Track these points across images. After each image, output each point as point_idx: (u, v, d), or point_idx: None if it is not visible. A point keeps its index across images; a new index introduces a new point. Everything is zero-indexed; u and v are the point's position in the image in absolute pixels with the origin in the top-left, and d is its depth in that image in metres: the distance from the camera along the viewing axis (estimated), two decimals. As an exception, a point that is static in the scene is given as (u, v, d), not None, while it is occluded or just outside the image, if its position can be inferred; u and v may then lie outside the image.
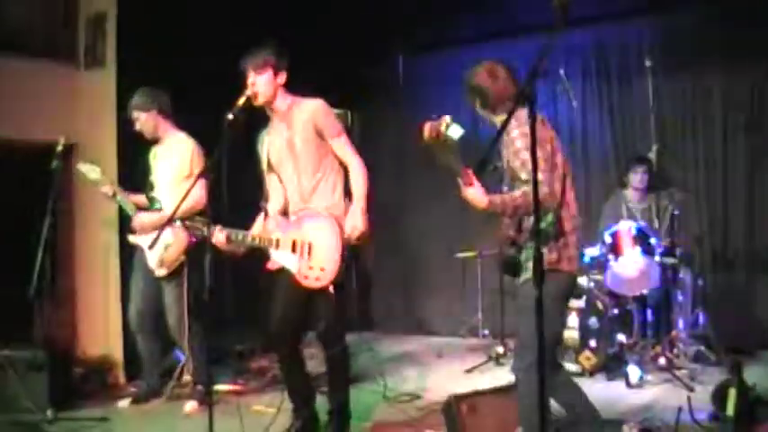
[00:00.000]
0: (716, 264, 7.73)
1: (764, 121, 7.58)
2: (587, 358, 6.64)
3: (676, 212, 7.04)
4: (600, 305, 6.83)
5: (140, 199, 6.18)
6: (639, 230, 6.70)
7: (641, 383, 6.20)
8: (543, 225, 4.10)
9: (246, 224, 5.02)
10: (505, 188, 4.27)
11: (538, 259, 3.12)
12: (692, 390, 5.78)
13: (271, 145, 5.00)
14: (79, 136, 6.66)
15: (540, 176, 3.93)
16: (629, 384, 6.20)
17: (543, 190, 3.93)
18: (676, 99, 8.02)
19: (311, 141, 4.86)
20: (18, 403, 5.75)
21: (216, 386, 6.16)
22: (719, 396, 4.82)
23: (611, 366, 6.61)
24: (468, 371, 7.12)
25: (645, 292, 6.79)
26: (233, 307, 7.58)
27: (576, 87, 8.45)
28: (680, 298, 7.11)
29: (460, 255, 8.37)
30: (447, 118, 3.75)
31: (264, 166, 5.06)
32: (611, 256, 6.68)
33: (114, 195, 6.11)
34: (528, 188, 3.93)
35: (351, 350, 5.22)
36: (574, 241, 4.21)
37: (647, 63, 7.09)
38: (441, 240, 9.25)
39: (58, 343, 6.27)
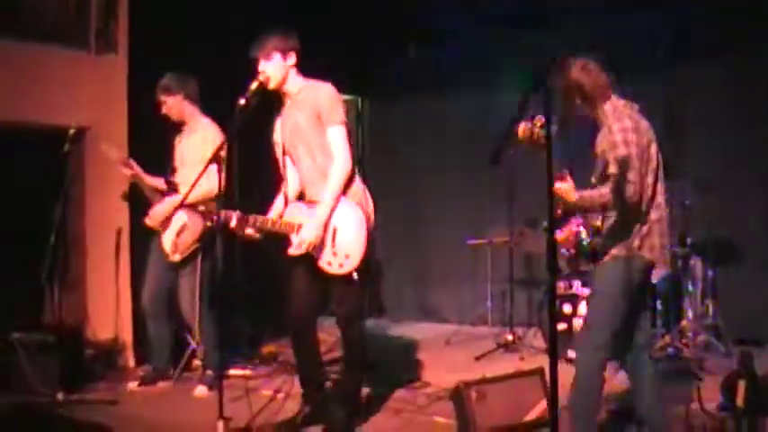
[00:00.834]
0: (727, 254, 7.69)
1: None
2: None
3: (687, 202, 7.03)
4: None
5: (159, 183, 6.20)
6: (650, 220, 6.67)
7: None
8: (630, 216, 4.15)
9: (260, 208, 5.01)
10: (593, 180, 4.29)
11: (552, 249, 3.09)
12: (701, 380, 5.77)
13: (283, 127, 5.00)
14: (91, 120, 6.66)
15: (631, 176, 3.98)
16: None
17: (630, 189, 3.98)
18: (688, 89, 7.97)
19: (315, 125, 4.84)
20: (29, 385, 5.78)
21: (226, 371, 6.18)
22: (729, 387, 4.81)
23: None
24: (478, 358, 7.13)
25: (655, 281, 6.77)
26: (244, 292, 7.59)
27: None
28: (690, 288, 7.10)
29: (471, 242, 8.37)
30: (541, 117, 3.81)
31: (279, 150, 5.06)
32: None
33: (134, 176, 6.14)
34: (611, 186, 4.04)
35: (367, 338, 5.24)
36: (658, 230, 4.24)
37: (659, 53, 7.05)
38: (452, 228, 9.24)
39: (69, 326, 6.28)
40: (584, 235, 6.80)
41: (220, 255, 4.60)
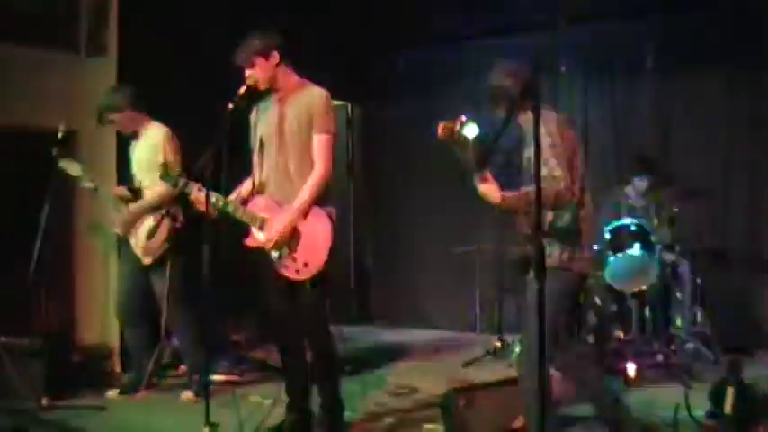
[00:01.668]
0: (715, 262, 7.71)
1: (766, 121, 7.55)
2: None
3: (676, 209, 7.04)
4: (598, 301, 6.82)
5: (125, 192, 6.17)
6: (639, 227, 6.69)
7: (639, 380, 6.19)
8: (560, 224, 4.17)
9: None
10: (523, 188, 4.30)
11: (539, 253, 3.09)
12: (689, 387, 5.77)
13: (265, 120, 4.96)
14: (80, 123, 6.64)
15: (558, 172, 3.99)
16: (626, 381, 6.19)
17: (560, 185, 3.99)
18: (678, 97, 8.01)
19: (303, 127, 4.79)
20: (14, 390, 5.74)
21: (212, 376, 6.15)
22: (717, 394, 4.81)
23: (609, 362, 6.60)
24: (466, 365, 7.12)
25: (644, 288, 6.79)
26: (231, 296, 7.55)
27: (577, 85, 8.47)
28: (678, 295, 7.11)
29: (459, 250, 8.36)
30: (462, 117, 3.82)
31: (255, 139, 5.03)
32: (610, 252, 6.67)
33: (96, 190, 6.10)
34: (543, 184, 3.99)
35: (351, 343, 5.22)
36: (588, 243, 4.25)
37: (650, 61, 7.07)
38: (440, 235, 9.24)
39: (56, 330, 6.25)
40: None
41: (207, 257, 4.55)
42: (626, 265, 6.63)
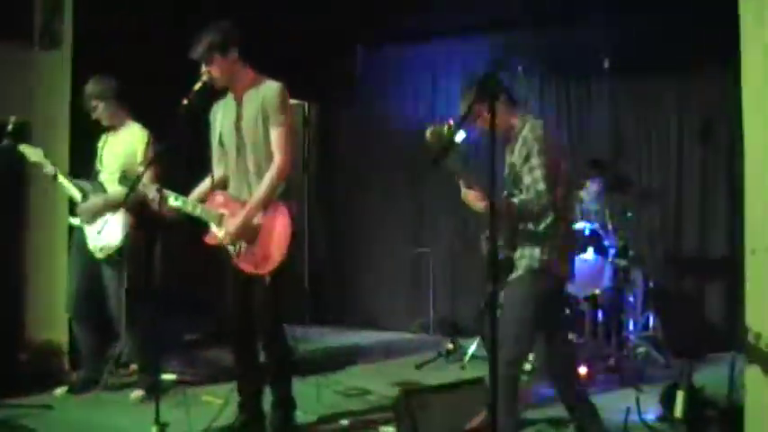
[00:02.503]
0: (667, 266, 7.79)
1: (719, 126, 7.64)
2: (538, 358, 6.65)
3: (629, 214, 7.10)
4: (567, 310, 6.84)
5: (85, 185, 6.07)
6: (593, 231, 6.75)
7: (591, 383, 6.22)
8: (541, 227, 4.20)
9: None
10: (504, 192, 4.32)
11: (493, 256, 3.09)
12: (640, 390, 5.80)
13: (223, 120, 4.91)
14: (33, 115, 6.55)
15: (542, 186, 4.05)
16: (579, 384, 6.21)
17: (542, 200, 4.05)
18: (633, 101, 8.09)
19: (259, 123, 4.75)
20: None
21: (163, 375, 6.08)
22: (668, 397, 4.86)
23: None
24: (419, 366, 7.11)
25: (597, 292, 6.83)
26: (185, 295, 7.48)
27: (533, 86, 8.50)
28: (631, 299, 7.17)
29: (416, 251, 8.37)
30: (450, 122, 3.84)
31: (214, 136, 4.98)
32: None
33: (56, 178, 5.99)
34: (525, 197, 4.12)
35: (303, 344, 5.19)
36: (568, 246, 4.29)
37: (606, 65, 7.12)
38: (395, 236, 9.25)
39: (3, 328, 6.14)
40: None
41: (159, 254, 4.52)
42: (579, 270, 6.64)
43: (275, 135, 4.74)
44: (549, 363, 4.54)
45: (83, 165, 6.18)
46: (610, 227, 7.07)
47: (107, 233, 5.82)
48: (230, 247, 4.78)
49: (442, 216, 8.84)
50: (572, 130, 8.46)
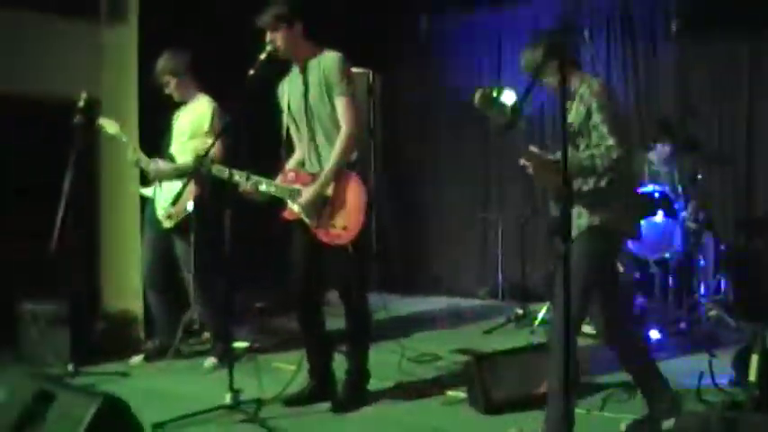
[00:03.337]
0: (739, 229, 7.67)
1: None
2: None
3: (699, 176, 6.99)
4: (621, 268, 6.77)
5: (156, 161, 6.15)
6: (662, 194, 6.66)
7: (662, 347, 6.17)
8: (603, 184, 4.08)
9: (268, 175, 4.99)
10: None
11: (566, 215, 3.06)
12: (713, 355, 5.74)
13: (291, 95, 4.96)
14: (102, 91, 6.65)
15: (611, 141, 3.92)
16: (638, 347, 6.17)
17: (613, 155, 3.92)
18: (702, 63, 7.92)
19: (323, 95, 4.80)
20: (40, 357, 5.79)
21: (236, 343, 6.17)
22: (741, 362, 4.79)
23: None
24: (488, 332, 7.11)
25: (667, 255, 6.76)
26: (253, 262, 7.57)
27: (600, 50, 8.39)
28: (702, 263, 7.08)
29: (482, 215, 8.35)
30: (501, 85, 3.75)
31: (285, 115, 5.03)
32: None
33: (134, 150, 6.08)
34: (597, 151, 3.95)
35: (371, 310, 5.22)
36: (631, 202, 4.20)
37: (674, 26, 6.99)
38: (463, 201, 9.24)
39: (80, 298, 6.27)
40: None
41: (228, 224, 4.57)
42: (650, 233, 6.60)
43: (340, 104, 4.78)
44: (607, 326, 4.35)
45: (152, 139, 6.27)
46: (679, 189, 6.98)
47: (174, 201, 5.91)
48: (308, 220, 4.82)
49: (510, 181, 8.80)
50: (640, 93, 8.34)
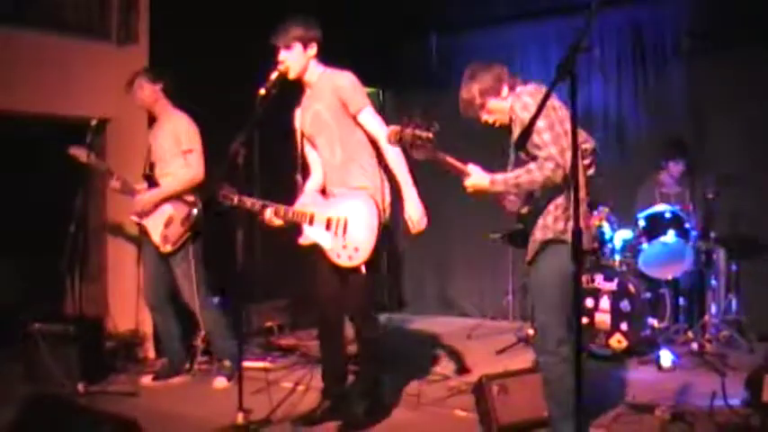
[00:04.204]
0: (750, 248, 7.62)
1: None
2: (618, 341, 6.57)
3: (710, 196, 6.96)
4: (632, 288, 6.74)
5: (139, 185, 6.16)
6: (674, 214, 6.64)
7: (673, 368, 6.14)
8: (554, 196, 4.08)
9: (280, 197, 4.99)
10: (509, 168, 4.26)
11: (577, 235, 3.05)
12: (724, 375, 5.71)
13: (303, 117, 4.98)
14: (112, 112, 6.69)
15: (552, 150, 3.89)
16: (660, 369, 6.14)
17: (550, 165, 3.89)
18: (714, 81, 7.90)
19: (338, 114, 4.80)
20: (49, 376, 5.79)
21: (246, 362, 6.16)
22: (754, 382, 4.76)
23: (643, 350, 6.55)
24: (499, 352, 7.09)
25: (678, 275, 6.73)
26: (262, 283, 7.57)
27: (610, 68, 8.40)
28: (713, 282, 7.05)
29: (492, 236, 8.33)
30: (416, 119, 3.79)
31: (299, 139, 5.03)
32: (644, 239, 6.63)
33: (112, 174, 6.07)
34: (533, 165, 3.96)
35: (381, 331, 5.21)
36: (582, 213, 4.16)
37: (684, 44, 6.98)
38: (472, 221, 9.20)
39: (90, 317, 6.28)
40: (605, 227, 6.79)
41: (241, 243, 4.57)
42: (660, 253, 6.59)
43: (365, 116, 4.84)
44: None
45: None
46: (691, 209, 6.96)
47: (167, 224, 5.92)
48: (324, 244, 4.82)
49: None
50: (651, 112, 8.32)
